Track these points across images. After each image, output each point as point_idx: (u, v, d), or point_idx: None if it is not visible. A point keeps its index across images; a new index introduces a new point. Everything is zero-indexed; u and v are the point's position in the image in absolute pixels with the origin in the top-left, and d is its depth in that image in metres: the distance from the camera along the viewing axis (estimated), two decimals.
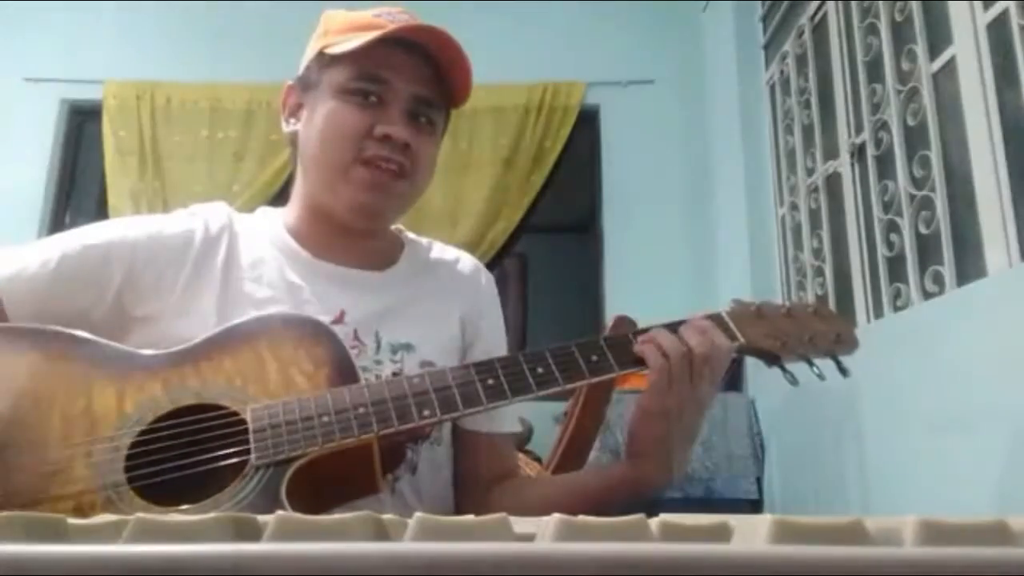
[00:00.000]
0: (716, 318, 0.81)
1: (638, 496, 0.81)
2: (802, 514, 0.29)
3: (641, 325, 0.82)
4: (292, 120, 0.92)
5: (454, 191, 3.30)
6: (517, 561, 0.24)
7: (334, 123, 0.85)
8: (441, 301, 0.94)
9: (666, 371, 0.75)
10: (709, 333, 0.77)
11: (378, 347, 0.86)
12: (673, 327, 0.78)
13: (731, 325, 0.80)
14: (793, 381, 0.80)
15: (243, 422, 0.67)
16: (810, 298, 2.61)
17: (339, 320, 0.85)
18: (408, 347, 0.87)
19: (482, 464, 0.93)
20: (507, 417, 0.95)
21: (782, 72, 2.93)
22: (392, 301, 0.90)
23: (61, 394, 0.68)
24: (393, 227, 1.00)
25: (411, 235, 1.01)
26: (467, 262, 1.02)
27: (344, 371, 0.72)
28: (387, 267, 0.94)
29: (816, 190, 2.61)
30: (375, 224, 0.92)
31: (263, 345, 0.73)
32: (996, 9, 1.65)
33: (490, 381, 0.72)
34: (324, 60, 0.88)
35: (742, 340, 0.79)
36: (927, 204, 1.93)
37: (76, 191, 3.52)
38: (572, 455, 1.26)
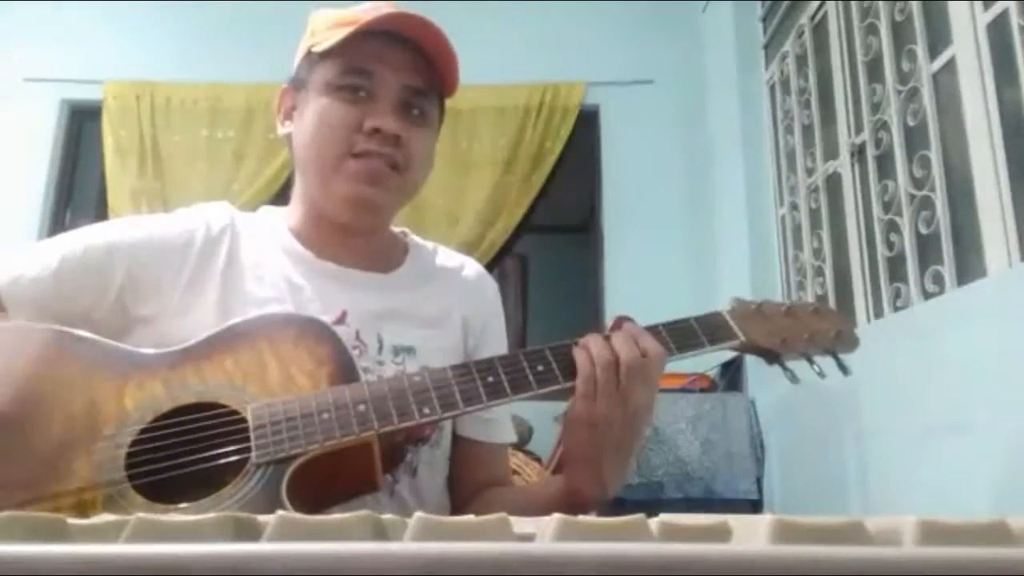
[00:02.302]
0: (713, 317, 0.81)
1: (575, 510, 0.80)
2: (802, 514, 0.29)
3: (641, 325, 0.82)
4: (287, 122, 0.91)
5: (454, 191, 3.30)
6: (517, 561, 0.24)
7: (323, 120, 0.84)
8: (444, 307, 0.93)
9: (592, 379, 0.72)
10: (641, 340, 0.74)
11: (380, 348, 0.85)
12: (608, 334, 0.76)
13: (731, 323, 0.80)
14: (794, 379, 0.81)
15: (244, 420, 0.67)
16: (810, 298, 2.61)
17: (341, 320, 0.84)
18: (410, 351, 0.87)
19: (474, 471, 0.92)
20: (504, 427, 0.95)
21: (782, 72, 2.93)
22: (395, 303, 0.89)
23: (62, 392, 0.68)
24: (398, 230, 0.99)
25: (416, 239, 1.00)
26: (472, 269, 1.00)
27: (345, 370, 0.72)
28: (391, 269, 0.93)
29: (816, 190, 2.61)
30: (372, 218, 0.90)
31: (264, 344, 0.73)
32: (996, 9, 1.65)
33: (490, 379, 0.71)
34: (312, 59, 0.87)
35: (743, 338, 0.79)
36: (927, 204, 1.93)
37: (76, 191, 3.51)
38: None
